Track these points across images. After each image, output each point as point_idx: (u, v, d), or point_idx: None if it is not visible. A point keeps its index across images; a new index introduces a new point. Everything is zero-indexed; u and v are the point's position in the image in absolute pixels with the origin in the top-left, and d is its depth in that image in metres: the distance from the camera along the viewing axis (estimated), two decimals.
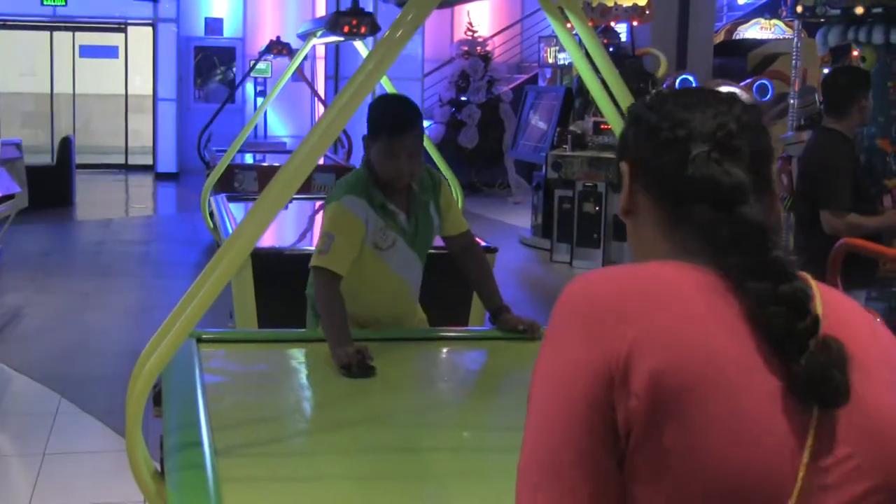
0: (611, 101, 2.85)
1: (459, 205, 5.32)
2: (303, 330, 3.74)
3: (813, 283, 1.30)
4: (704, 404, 1.17)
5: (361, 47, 7.59)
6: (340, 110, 2.46)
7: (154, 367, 2.40)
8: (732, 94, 1.43)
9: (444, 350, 3.44)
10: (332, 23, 6.92)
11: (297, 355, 3.43)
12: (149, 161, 19.31)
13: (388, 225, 3.53)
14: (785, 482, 1.18)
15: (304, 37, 8.27)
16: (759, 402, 1.19)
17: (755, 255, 1.26)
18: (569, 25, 2.98)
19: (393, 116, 3.51)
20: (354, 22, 6.88)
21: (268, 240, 5.74)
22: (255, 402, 2.93)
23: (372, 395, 3.13)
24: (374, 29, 6.98)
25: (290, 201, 5.48)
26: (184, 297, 2.45)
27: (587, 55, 2.90)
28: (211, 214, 7.89)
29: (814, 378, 1.19)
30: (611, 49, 11.22)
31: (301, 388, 3.10)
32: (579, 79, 11.85)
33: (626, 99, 2.78)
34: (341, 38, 7.36)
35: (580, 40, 3.03)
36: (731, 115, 1.37)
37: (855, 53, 10.77)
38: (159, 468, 2.53)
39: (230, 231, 6.40)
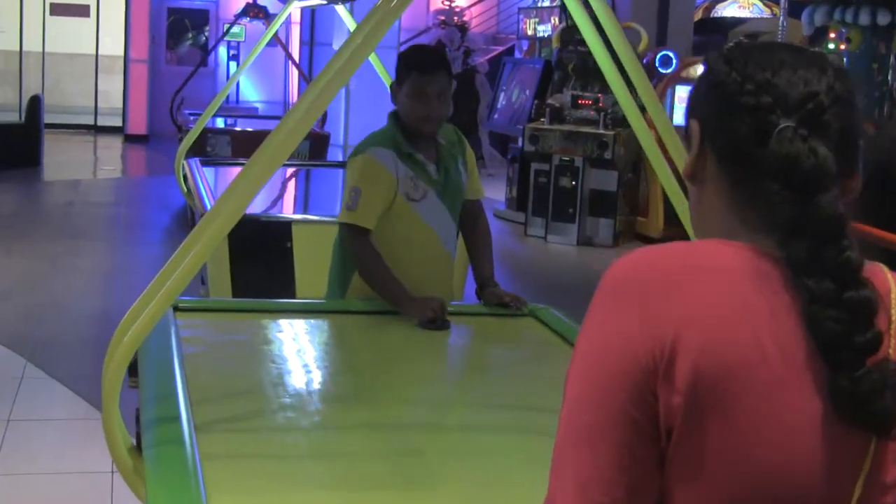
0: (617, 71, 2.76)
1: None
2: (284, 300, 3.66)
3: (891, 276, 1.19)
4: (744, 398, 1.09)
5: (343, 11, 7.47)
6: (332, 78, 2.40)
7: (134, 338, 2.30)
8: (822, 55, 1.27)
9: None
10: None
11: (279, 326, 3.32)
12: (118, 123, 19.03)
13: (419, 175, 3.50)
14: (838, 498, 1.11)
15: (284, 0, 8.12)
16: (807, 406, 1.10)
17: (825, 249, 1.12)
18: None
19: (422, 56, 3.58)
20: None
21: None
22: (236, 375, 2.85)
23: (354, 370, 3.07)
24: None
25: None
26: (165, 266, 2.36)
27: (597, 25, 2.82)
28: (185, 178, 7.78)
29: (859, 399, 1.08)
30: None
31: (282, 360, 3.01)
32: (558, 51, 11.77)
33: (636, 71, 2.70)
34: (324, 1, 7.25)
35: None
36: (824, 83, 1.21)
37: (832, 35, 10.77)
38: (135, 442, 2.44)
39: (204, 195, 6.31)
